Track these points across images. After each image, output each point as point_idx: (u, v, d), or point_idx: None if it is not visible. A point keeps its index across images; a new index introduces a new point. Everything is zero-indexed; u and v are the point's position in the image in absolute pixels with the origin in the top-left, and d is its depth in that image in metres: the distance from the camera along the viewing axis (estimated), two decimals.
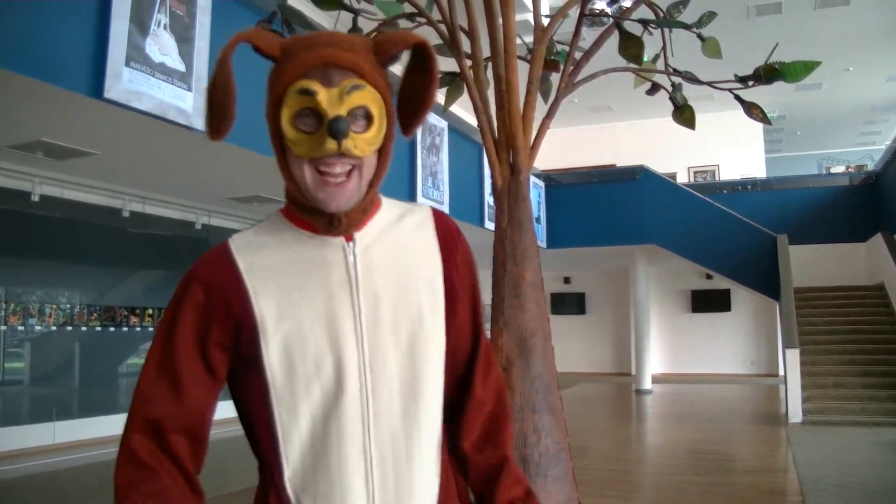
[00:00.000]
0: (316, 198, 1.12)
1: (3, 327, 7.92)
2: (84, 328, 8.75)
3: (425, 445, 1.18)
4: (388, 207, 1.26)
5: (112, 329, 9.07)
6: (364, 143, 1.10)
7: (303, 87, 1.09)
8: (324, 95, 1.08)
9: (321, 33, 1.15)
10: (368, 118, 1.11)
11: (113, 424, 8.68)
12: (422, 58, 1.17)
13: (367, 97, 1.11)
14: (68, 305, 8.83)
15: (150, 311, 9.59)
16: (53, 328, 8.51)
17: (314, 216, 1.16)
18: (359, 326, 1.15)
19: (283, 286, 1.15)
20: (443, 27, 3.22)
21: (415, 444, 1.17)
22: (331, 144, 1.07)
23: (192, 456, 1.15)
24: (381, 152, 1.17)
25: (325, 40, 1.12)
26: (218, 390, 1.19)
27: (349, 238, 1.18)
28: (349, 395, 1.13)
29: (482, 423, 1.29)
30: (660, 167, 16.09)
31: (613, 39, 3.35)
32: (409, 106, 1.21)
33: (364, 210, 1.19)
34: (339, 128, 1.06)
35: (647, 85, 3.78)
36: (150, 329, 9.65)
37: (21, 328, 8.18)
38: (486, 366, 1.30)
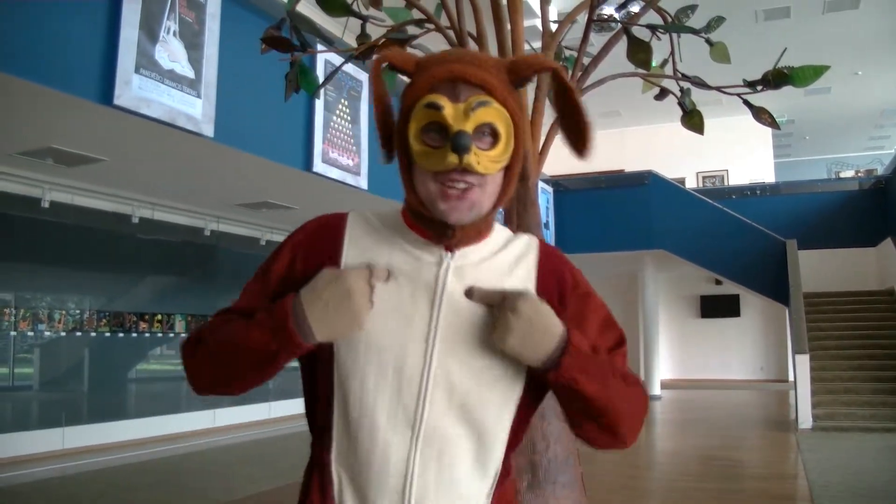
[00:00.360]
0: (436, 209, 1.11)
1: (13, 333, 7.95)
2: (93, 334, 8.78)
3: (478, 475, 1.15)
4: (498, 232, 1.24)
5: (121, 335, 9.10)
6: (488, 160, 1.09)
7: (430, 102, 1.08)
8: (450, 110, 1.07)
9: (456, 50, 1.16)
10: (495, 136, 1.10)
11: (122, 430, 8.73)
12: (557, 82, 1.17)
13: (494, 114, 1.09)
14: (78, 311, 8.86)
15: (159, 317, 9.61)
16: (63, 334, 8.53)
17: (429, 224, 1.15)
18: (431, 335, 1.12)
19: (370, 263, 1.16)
20: (451, 33, 3.23)
21: (467, 472, 1.14)
22: (452, 158, 1.06)
23: None
24: (508, 173, 1.15)
25: (456, 56, 1.13)
26: None
27: (449, 249, 1.16)
28: (405, 401, 1.12)
29: None
30: (668, 172, 16.05)
31: (622, 45, 3.35)
32: (570, 128, 1.20)
33: (479, 231, 1.18)
34: (462, 143, 1.05)
35: (656, 90, 3.77)
36: (159, 335, 9.68)
37: (31, 334, 8.21)
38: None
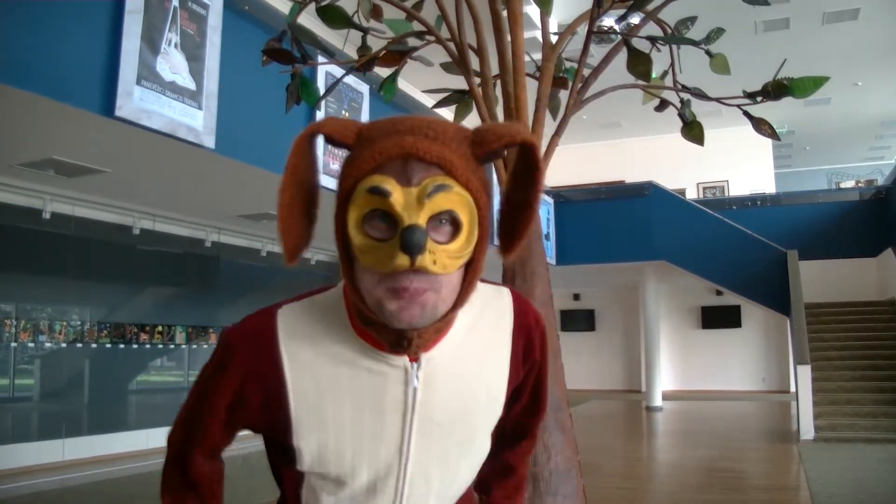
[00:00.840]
0: (383, 311, 0.92)
1: (14, 344, 7.94)
2: (94, 345, 8.77)
3: None
4: (465, 308, 1.02)
5: (122, 346, 9.09)
6: (447, 256, 0.89)
7: (374, 186, 0.88)
8: (399, 196, 0.87)
9: (407, 118, 0.94)
10: (455, 225, 0.90)
11: (122, 442, 8.71)
12: (527, 159, 0.96)
13: (455, 200, 0.89)
14: (78, 322, 8.85)
15: (160, 329, 9.61)
16: (63, 345, 8.53)
17: (379, 331, 0.98)
18: (405, 448, 1.04)
19: (328, 392, 1.02)
20: (451, 45, 3.24)
21: None
22: (402, 260, 0.86)
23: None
24: (469, 268, 0.95)
25: (408, 126, 0.92)
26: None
27: (413, 359, 1.02)
28: (382, 498, 1.08)
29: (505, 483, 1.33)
30: (669, 183, 16.07)
31: (622, 56, 3.36)
32: (511, 217, 1.00)
33: (438, 330, 1.00)
34: (414, 241, 0.86)
35: (656, 101, 3.78)
36: (160, 346, 9.67)
37: (31, 345, 8.20)
38: (530, 438, 1.32)
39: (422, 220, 0.87)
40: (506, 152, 1.03)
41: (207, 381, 1.08)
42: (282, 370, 1.01)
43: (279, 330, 1.03)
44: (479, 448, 1.13)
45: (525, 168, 0.97)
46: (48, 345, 8.36)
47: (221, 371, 1.05)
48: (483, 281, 1.10)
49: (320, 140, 0.99)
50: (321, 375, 1.02)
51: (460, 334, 1.06)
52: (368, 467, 1.04)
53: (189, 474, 1.13)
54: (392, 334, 0.96)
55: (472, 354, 1.08)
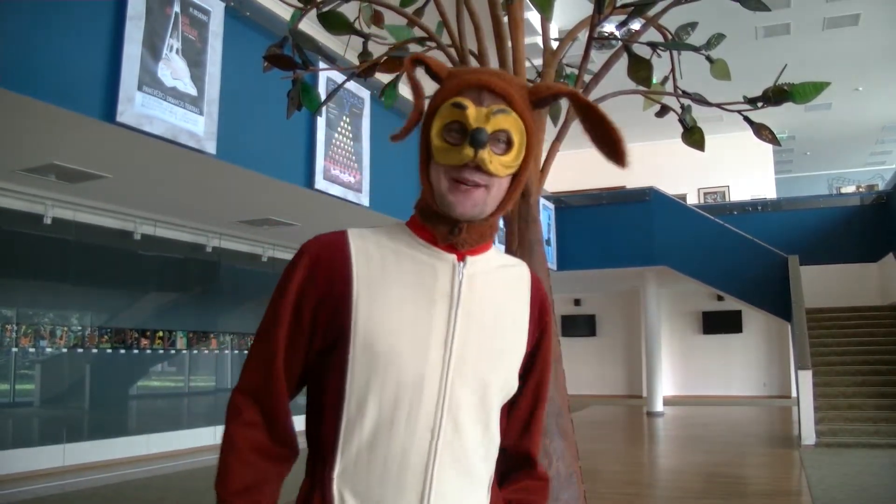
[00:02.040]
0: (445, 201, 1.17)
1: (15, 349, 7.94)
2: (95, 350, 8.77)
3: (486, 476, 1.23)
4: (497, 252, 1.31)
5: (123, 351, 9.09)
6: (500, 163, 1.16)
7: (456, 101, 1.16)
8: (473, 111, 1.14)
9: (486, 67, 1.27)
10: (509, 143, 1.17)
11: (123, 447, 8.70)
12: (577, 104, 1.23)
13: (511, 123, 1.16)
14: (79, 327, 8.86)
15: (161, 334, 9.61)
16: (64, 350, 8.53)
17: (436, 223, 1.22)
18: (450, 341, 1.18)
19: (387, 279, 1.19)
20: (452, 51, 3.24)
21: (478, 473, 1.21)
22: (468, 152, 1.13)
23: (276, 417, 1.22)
24: (515, 181, 1.21)
25: (485, 69, 1.22)
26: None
27: (461, 258, 1.22)
28: (425, 406, 1.15)
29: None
30: (670, 189, 16.08)
31: (622, 62, 3.36)
32: (602, 141, 1.25)
33: (482, 234, 1.24)
34: (479, 137, 1.12)
35: (657, 107, 3.78)
36: (161, 351, 9.67)
37: (32, 350, 8.20)
38: (537, 432, 1.37)
39: (487, 128, 1.14)
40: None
41: (282, 280, 1.23)
42: (348, 256, 1.21)
43: (349, 233, 1.24)
44: (508, 375, 1.25)
45: (583, 114, 1.23)
46: (49, 350, 8.37)
47: (294, 265, 1.23)
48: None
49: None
50: (383, 263, 1.21)
51: (494, 265, 1.28)
52: (416, 353, 1.16)
53: (269, 412, 1.21)
54: (447, 224, 1.21)
55: (503, 283, 1.29)
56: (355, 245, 1.22)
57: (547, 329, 1.34)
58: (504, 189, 1.21)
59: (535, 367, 1.32)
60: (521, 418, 1.33)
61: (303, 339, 1.20)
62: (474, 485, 1.20)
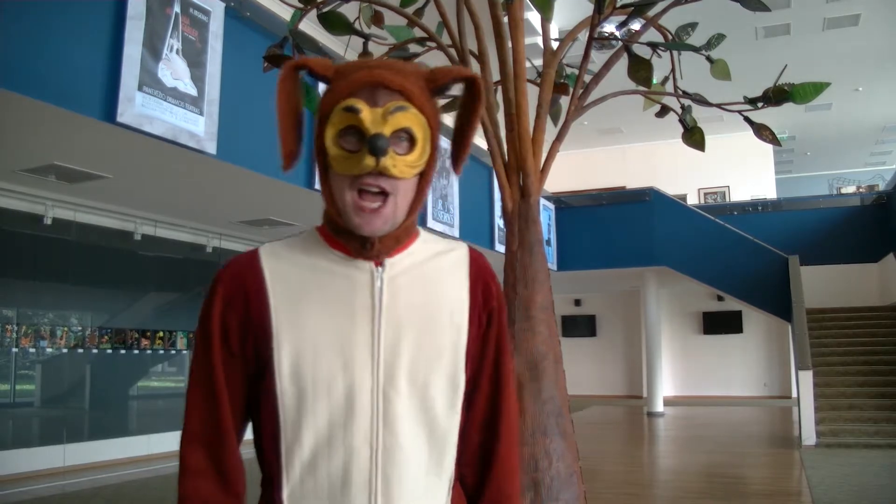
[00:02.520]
0: (351, 221, 1.12)
1: (15, 349, 7.94)
2: (95, 351, 8.77)
3: (435, 482, 1.17)
4: (425, 241, 1.25)
5: (123, 352, 9.09)
6: (405, 164, 1.10)
7: (348, 105, 1.09)
8: (367, 114, 1.08)
9: (374, 59, 1.20)
10: (412, 141, 1.11)
11: (123, 447, 8.70)
12: (471, 92, 1.19)
13: (412, 119, 1.10)
14: (79, 328, 8.85)
15: (161, 334, 9.61)
16: (64, 350, 8.53)
17: (348, 239, 1.16)
18: (376, 352, 1.13)
19: (304, 300, 1.15)
20: (453, 51, 3.24)
21: (430, 480, 1.16)
22: (369, 161, 1.07)
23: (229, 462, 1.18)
24: (422, 179, 1.16)
25: (375, 63, 1.14)
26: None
27: (378, 263, 1.17)
28: (359, 421, 1.12)
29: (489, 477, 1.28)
30: (670, 189, 16.08)
31: (622, 62, 3.36)
32: (458, 140, 1.22)
33: (398, 239, 1.18)
34: (379, 144, 1.06)
35: (657, 107, 3.78)
36: (161, 352, 9.67)
37: (32, 350, 8.20)
38: (506, 422, 1.28)
39: (386, 131, 1.07)
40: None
41: (203, 316, 1.19)
42: (262, 280, 1.16)
43: (261, 254, 1.19)
44: (451, 372, 1.18)
45: (469, 100, 1.20)
46: (49, 350, 8.36)
47: (212, 294, 1.18)
48: (444, 236, 1.32)
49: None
50: (298, 282, 1.16)
51: (421, 256, 1.22)
52: (342, 372, 1.12)
53: (217, 454, 1.17)
54: (357, 240, 1.15)
55: (434, 274, 1.22)
56: (269, 267, 1.17)
57: (495, 312, 1.26)
58: (412, 189, 1.14)
59: (486, 355, 1.25)
60: (480, 414, 1.25)
61: (237, 371, 1.17)
62: (428, 492, 1.16)
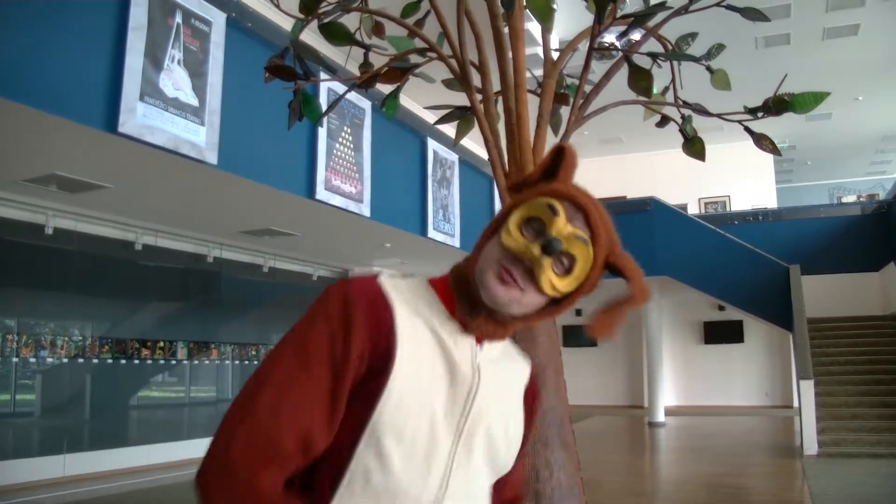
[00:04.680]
0: (483, 280, 1.12)
1: (15, 359, 7.94)
2: (96, 360, 8.76)
3: None
4: (505, 344, 1.28)
5: (123, 361, 9.08)
6: (550, 281, 1.11)
7: (553, 204, 1.12)
8: (561, 222, 1.11)
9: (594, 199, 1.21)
10: (569, 270, 1.14)
11: (123, 457, 8.69)
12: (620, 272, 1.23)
13: (584, 254, 1.14)
14: (80, 337, 8.85)
15: (162, 344, 9.60)
16: (65, 360, 8.52)
17: (462, 297, 1.17)
18: (462, 425, 1.15)
19: (420, 357, 1.12)
20: (453, 62, 3.25)
21: None
22: (535, 250, 1.10)
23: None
24: (553, 305, 1.17)
25: (593, 198, 1.18)
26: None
27: (479, 340, 1.19)
28: (428, 491, 1.11)
29: None
30: (670, 198, 16.09)
31: (623, 72, 3.37)
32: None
33: (495, 332, 1.19)
34: (554, 246, 1.09)
35: (657, 117, 3.79)
36: (162, 362, 9.66)
37: (33, 360, 8.20)
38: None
39: (564, 243, 1.11)
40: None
41: (318, 336, 1.08)
42: (394, 321, 1.11)
43: (388, 291, 1.15)
44: (502, 464, 1.24)
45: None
46: (50, 360, 8.36)
47: (342, 322, 1.08)
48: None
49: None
50: (419, 338, 1.13)
51: (502, 352, 1.25)
52: (428, 441, 1.11)
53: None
54: (472, 303, 1.15)
55: (510, 374, 1.27)
56: (400, 312, 1.13)
57: (533, 424, 1.33)
58: (538, 306, 1.15)
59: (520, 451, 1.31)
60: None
61: (340, 402, 1.09)
62: None
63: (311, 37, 3.69)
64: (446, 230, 10.27)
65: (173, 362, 9.86)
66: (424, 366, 1.12)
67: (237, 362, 10.84)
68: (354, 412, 1.08)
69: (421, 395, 1.10)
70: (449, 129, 4.12)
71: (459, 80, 3.25)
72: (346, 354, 1.06)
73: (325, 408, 1.06)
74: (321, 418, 1.05)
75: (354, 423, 1.08)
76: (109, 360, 8.90)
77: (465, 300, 1.16)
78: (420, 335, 1.14)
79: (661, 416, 15.05)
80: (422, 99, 11.31)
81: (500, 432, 1.20)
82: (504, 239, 1.12)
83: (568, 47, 3.33)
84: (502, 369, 1.24)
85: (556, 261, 1.12)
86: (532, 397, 1.31)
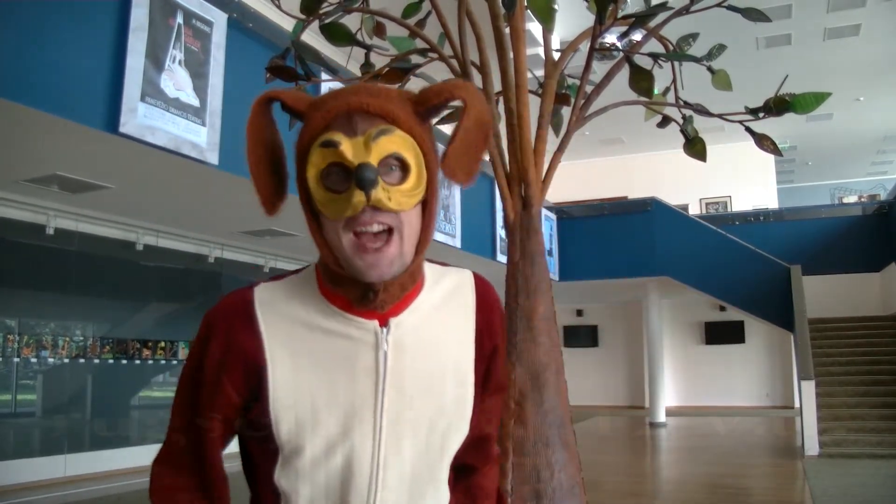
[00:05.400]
0: (353, 266, 1.00)
1: (17, 359, 7.94)
2: (97, 361, 8.76)
3: None
4: (431, 283, 1.14)
5: (125, 362, 9.08)
6: (400, 195, 0.98)
7: (325, 140, 0.97)
8: (348, 145, 0.96)
9: (352, 85, 1.05)
10: (404, 168, 0.99)
11: (124, 458, 8.68)
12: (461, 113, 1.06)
13: (399, 143, 0.98)
14: (81, 338, 8.85)
15: (163, 344, 9.60)
16: (66, 360, 8.52)
17: (347, 288, 1.04)
18: (378, 419, 1.06)
19: (303, 361, 1.05)
20: (454, 62, 3.25)
21: None
22: (359, 197, 0.95)
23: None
24: (425, 211, 1.04)
25: (353, 89, 1.01)
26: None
27: (383, 322, 1.07)
28: (357, 487, 1.06)
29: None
30: (671, 199, 16.09)
31: (624, 73, 3.37)
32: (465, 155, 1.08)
33: (403, 286, 1.06)
34: (366, 176, 0.94)
35: (658, 117, 3.79)
36: (163, 362, 9.66)
37: (34, 360, 8.20)
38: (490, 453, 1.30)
39: (372, 160, 0.95)
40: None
41: (194, 360, 1.12)
42: (260, 340, 1.06)
43: (256, 304, 1.08)
44: (451, 428, 1.13)
45: (459, 122, 1.05)
46: (51, 360, 8.36)
47: (205, 346, 1.10)
48: (445, 265, 1.19)
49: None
50: (296, 343, 1.06)
51: (427, 308, 1.11)
52: (344, 442, 1.05)
53: (201, 467, 1.13)
54: (359, 289, 1.03)
55: (440, 328, 1.12)
56: (265, 322, 1.07)
57: (498, 347, 1.19)
58: (417, 223, 1.02)
59: (488, 387, 1.20)
60: (475, 423, 1.21)
61: (225, 409, 1.10)
62: None
63: (312, 37, 3.69)
64: (448, 231, 10.27)
65: (174, 362, 9.86)
66: (311, 374, 1.05)
67: None
68: (261, 441, 1.08)
69: (316, 401, 1.04)
70: (450, 130, 4.08)
71: None
72: (203, 371, 1.10)
73: (184, 421, 1.13)
74: (183, 426, 1.14)
75: (267, 453, 1.09)
76: (110, 361, 8.91)
77: (353, 288, 1.04)
78: (300, 344, 1.06)
79: (662, 417, 15.05)
80: None
81: (438, 397, 1.10)
82: (325, 211, 1.00)
83: (569, 48, 3.34)
84: (430, 325, 1.11)
85: (385, 175, 0.97)
86: (484, 321, 1.16)
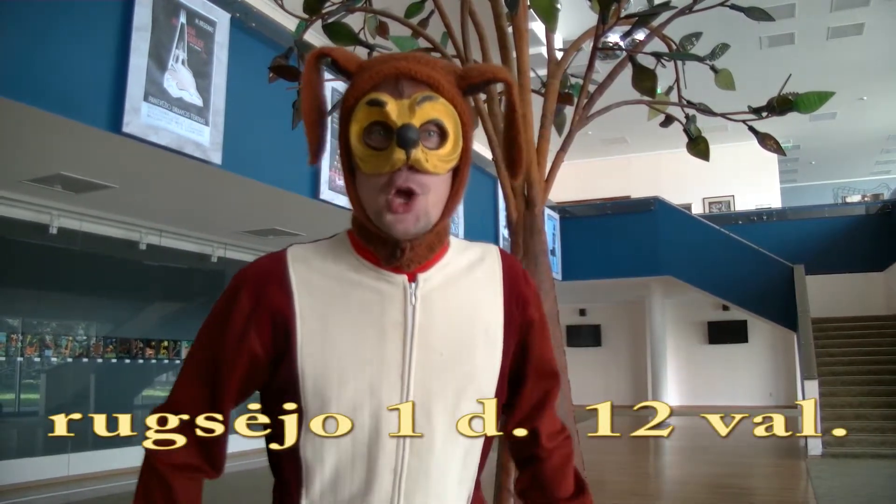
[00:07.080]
0: (382, 220, 1.03)
1: (20, 359, 7.95)
2: (100, 360, 8.77)
3: (455, 491, 1.13)
4: (457, 251, 1.18)
5: (128, 361, 9.09)
6: (437, 158, 1.02)
7: (372, 99, 1.02)
8: (393, 106, 1.01)
9: (401, 52, 1.14)
10: (443, 134, 1.04)
11: (127, 457, 8.68)
12: (509, 99, 1.13)
13: (441, 110, 1.03)
14: (84, 337, 8.86)
15: (166, 344, 9.61)
16: (69, 360, 8.53)
17: (377, 246, 1.08)
18: (406, 375, 1.07)
19: (332, 315, 1.08)
20: (457, 62, 3.25)
21: (452, 495, 1.12)
22: (399, 155, 0.99)
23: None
24: (456, 177, 1.09)
25: (401, 56, 1.07)
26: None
27: (412, 278, 1.10)
28: (384, 446, 1.06)
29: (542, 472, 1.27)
30: (674, 198, 16.08)
31: (627, 72, 3.36)
32: (508, 144, 1.16)
33: (430, 246, 1.11)
34: (408, 136, 0.99)
35: (661, 117, 3.78)
36: (166, 361, 9.67)
37: (37, 360, 8.21)
38: (550, 419, 1.28)
39: (414, 122, 1.00)
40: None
41: (218, 316, 1.14)
42: (291, 295, 1.09)
43: (289, 260, 1.12)
44: (483, 392, 1.13)
45: (509, 109, 1.13)
46: (54, 360, 8.37)
47: (233, 300, 1.11)
48: (472, 241, 1.24)
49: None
50: (326, 296, 1.09)
51: (453, 271, 1.15)
52: (371, 400, 1.06)
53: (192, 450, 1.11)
54: (388, 246, 1.07)
55: (468, 290, 1.15)
56: (297, 276, 1.09)
57: (534, 321, 1.21)
58: (446, 188, 1.07)
59: (528, 362, 1.21)
60: (523, 412, 1.24)
61: (246, 368, 1.11)
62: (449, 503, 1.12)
63: (315, 37, 3.70)
64: (450, 230, 10.27)
65: (177, 362, 9.86)
66: (339, 326, 1.07)
67: None
68: (287, 400, 1.08)
69: (344, 356, 1.06)
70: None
71: None
72: (229, 323, 1.11)
73: (202, 386, 1.12)
74: (198, 396, 1.11)
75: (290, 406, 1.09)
76: (114, 360, 8.92)
77: (382, 246, 1.08)
78: (330, 296, 1.08)
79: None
80: None
81: (465, 360, 1.11)
82: (364, 167, 1.03)
83: (572, 47, 3.33)
84: (458, 287, 1.14)
85: (424, 139, 1.02)
86: (514, 292, 1.19)
